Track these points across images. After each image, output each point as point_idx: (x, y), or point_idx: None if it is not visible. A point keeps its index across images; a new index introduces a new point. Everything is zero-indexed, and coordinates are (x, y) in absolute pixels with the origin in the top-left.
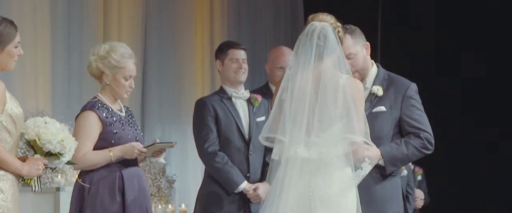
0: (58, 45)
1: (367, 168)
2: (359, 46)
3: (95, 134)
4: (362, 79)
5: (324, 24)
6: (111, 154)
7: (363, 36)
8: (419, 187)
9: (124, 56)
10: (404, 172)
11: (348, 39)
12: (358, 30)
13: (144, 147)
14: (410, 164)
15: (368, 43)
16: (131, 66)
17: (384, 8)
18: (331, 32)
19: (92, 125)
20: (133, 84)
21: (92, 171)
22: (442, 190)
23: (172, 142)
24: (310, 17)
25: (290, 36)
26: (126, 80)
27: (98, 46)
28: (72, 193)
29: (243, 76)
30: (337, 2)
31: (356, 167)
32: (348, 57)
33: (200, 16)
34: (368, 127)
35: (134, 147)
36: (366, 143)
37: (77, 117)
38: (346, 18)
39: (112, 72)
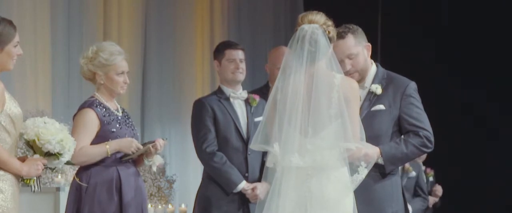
0: (58, 45)
1: (363, 172)
2: (360, 47)
3: (93, 130)
4: (362, 79)
5: (313, 26)
6: (107, 147)
7: (365, 37)
8: (430, 188)
9: (113, 53)
10: (413, 173)
11: (350, 39)
12: (360, 30)
13: (142, 144)
14: (421, 164)
15: (369, 45)
16: (121, 62)
17: (384, 8)
18: (321, 35)
19: (91, 122)
20: (128, 80)
21: (89, 170)
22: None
23: (160, 140)
24: (300, 17)
25: (290, 36)
26: (119, 76)
27: (86, 50)
28: (69, 192)
29: (241, 76)
30: (337, 2)
31: (353, 169)
32: (349, 57)
33: (200, 16)
34: (364, 131)
35: (132, 142)
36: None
37: (75, 115)
38: (346, 18)
39: (104, 71)
